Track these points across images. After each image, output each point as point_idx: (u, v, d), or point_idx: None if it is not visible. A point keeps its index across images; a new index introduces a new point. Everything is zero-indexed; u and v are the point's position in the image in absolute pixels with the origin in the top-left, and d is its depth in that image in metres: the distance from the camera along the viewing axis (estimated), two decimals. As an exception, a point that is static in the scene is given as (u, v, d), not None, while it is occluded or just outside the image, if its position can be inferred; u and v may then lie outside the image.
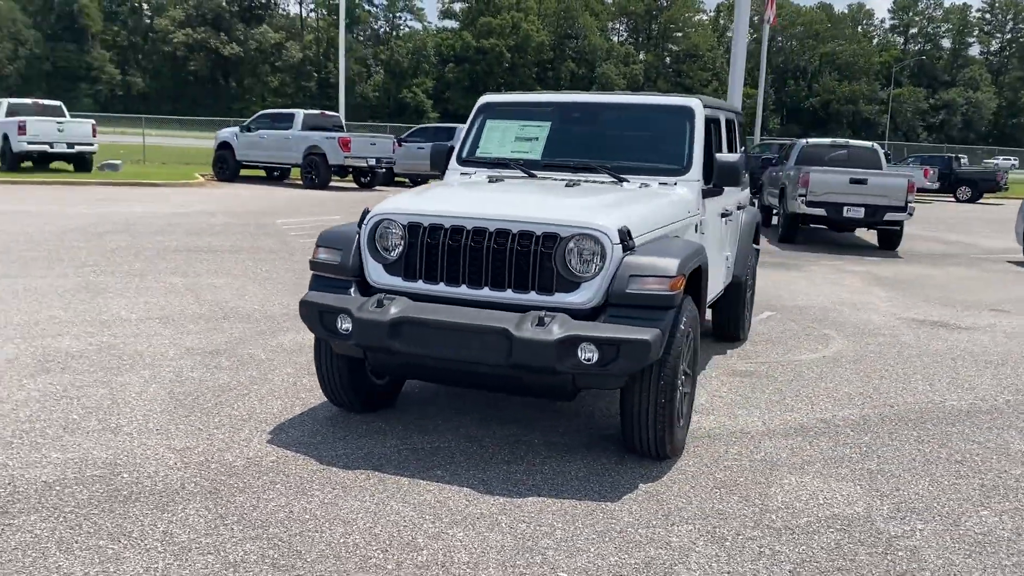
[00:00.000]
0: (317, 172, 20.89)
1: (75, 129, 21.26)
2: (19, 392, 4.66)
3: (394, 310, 3.78)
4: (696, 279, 4.28)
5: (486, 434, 4.32)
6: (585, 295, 3.74)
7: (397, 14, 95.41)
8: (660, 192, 4.57)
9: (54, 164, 22.05)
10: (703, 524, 3.38)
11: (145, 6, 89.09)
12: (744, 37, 14.87)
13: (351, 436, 4.21)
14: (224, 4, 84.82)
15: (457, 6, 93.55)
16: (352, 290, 4.06)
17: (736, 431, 4.52)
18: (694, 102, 5.01)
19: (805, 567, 3.07)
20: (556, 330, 3.55)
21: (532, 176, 4.89)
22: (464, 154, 5.29)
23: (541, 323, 3.60)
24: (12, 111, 21.34)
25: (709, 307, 6.17)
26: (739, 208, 6.10)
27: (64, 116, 22.06)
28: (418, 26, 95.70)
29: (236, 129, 22.67)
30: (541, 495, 3.59)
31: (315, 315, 3.98)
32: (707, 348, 6.27)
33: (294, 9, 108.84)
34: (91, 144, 21.45)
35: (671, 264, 3.72)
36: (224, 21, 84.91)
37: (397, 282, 4.02)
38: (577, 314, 3.73)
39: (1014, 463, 4.21)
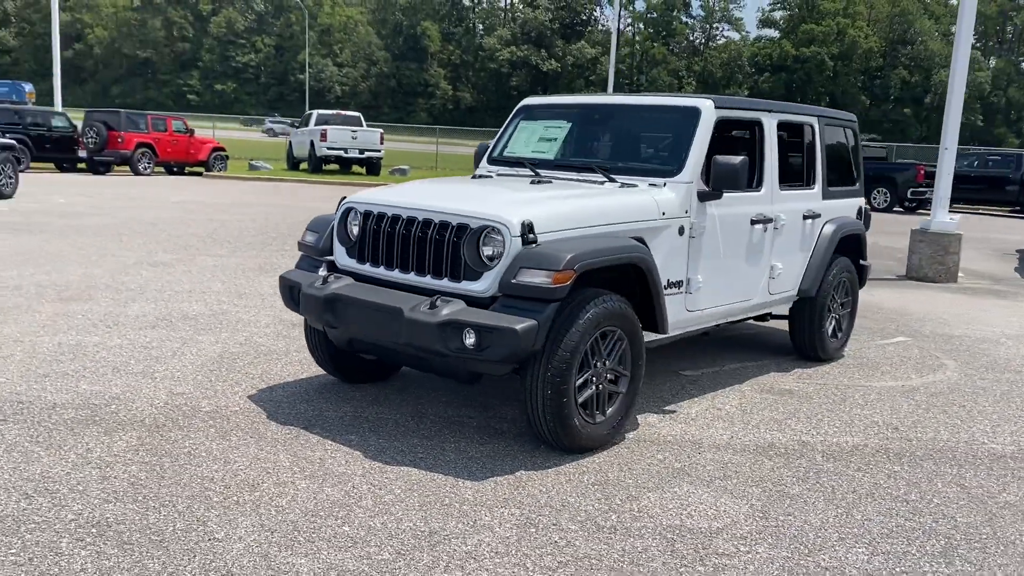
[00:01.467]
0: None
1: (367, 137, 23.98)
2: (118, 339, 5.74)
3: (331, 288, 4.25)
4: (636, 279, 4.26)
5: (433, 412, 4.63)
6: (485, 284, 3.95)
7: (715, 25, 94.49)
8: (624, 192, 4.58)
9: (353, 168, 25.02)
10: (518, 512, 3.45)
11: (480, 26, 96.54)
12: None
13: (320, 400, 4.72)
14: (547, 22, 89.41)
15: (778, 14, 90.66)
16: (321, 269, 4.57)
17: (690, 440, 4.41)
18: (704, 103, 4.91)
19: (587, 562, 3.07)
20: (442, 314, 3.81)
21: (537, 175, 5.09)
22: (495, 153, 5.61)
23: (433, 306, 3.88)
24: (321, 120, 24.53)
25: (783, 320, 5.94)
26: (808, 217, 5.75)
27: (360, 126, 24.92)
28: (735, 36, 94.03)
29: None
30: (418, 467, 3.85)
31: (285, 289, 4.58)
32: (781, 363, 6.05)
33: (612, 24, 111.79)
34: (378, 151, 24.08)
35: (559, 259, 3.81)
36: (546, 39, 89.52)
37: (352, 264, 4.48)
38: (476, 302, 3.95)
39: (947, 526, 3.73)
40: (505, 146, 5.61)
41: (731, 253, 5.08)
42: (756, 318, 6.09)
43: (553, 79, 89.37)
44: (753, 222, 5.22)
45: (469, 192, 4.46)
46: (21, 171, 20.99)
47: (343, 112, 26.53)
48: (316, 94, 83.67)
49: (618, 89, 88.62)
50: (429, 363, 4.15)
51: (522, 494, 3.61)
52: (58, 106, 26.12)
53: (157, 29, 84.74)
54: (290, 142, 26.97)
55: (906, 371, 6.08)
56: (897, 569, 3.15)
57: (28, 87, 12.18)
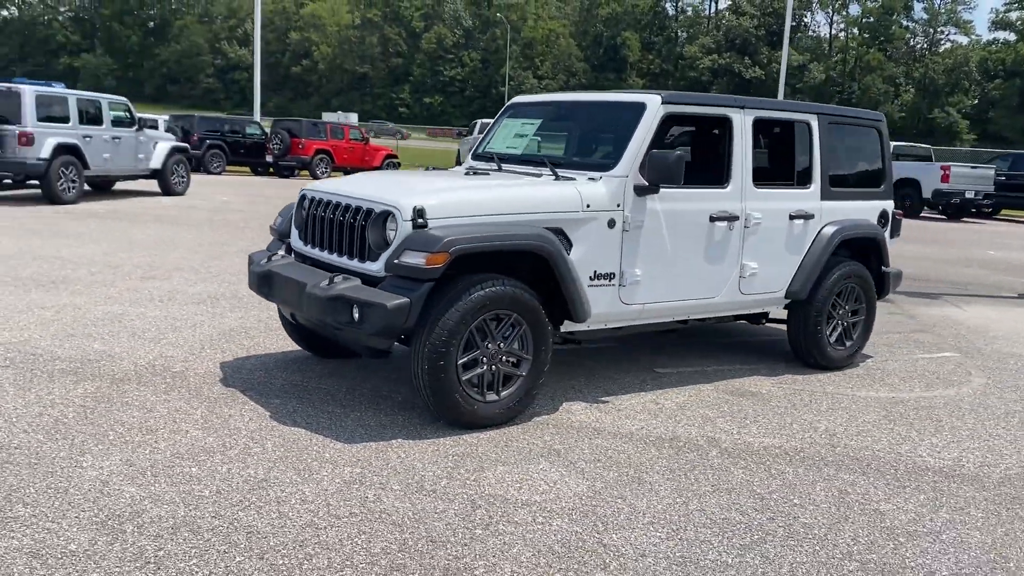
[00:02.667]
0: (911, 201, 20.71)
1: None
2: (157, 312, 6.55)
3: (267, 265, 4.75)
4: (539, 268, 4.43)
5: (370, 387, 5.00)
6: (379, 264, 4.30)
7: (939, 28, 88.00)
8: (546, 184, 4.73)
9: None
10: (357, 471, 3.74)
11: (683, 34, 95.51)
12: None
13: (279, 370, 5.21)
14: (751, 29, 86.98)
15: (1014, 15, 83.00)
16: (281, 250, 5.09)
17: (594, 427, 4.49)
18: (652, 98, 4.98)
19: (378, 515, 3.33)
20: (333, 290, 4.20)
21: (499, 169, 5.35)
22: (479, 149, 5.91)
23: (330, 283, 4.27)
24: (483, 129, 25.46)
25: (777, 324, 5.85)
26: (798, 217, 5.60)
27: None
28: (962, 40, 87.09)
29: None
30: (308, 430, 4.23)
31: (248, 265, 5.14)
32: (775, 368, 5.94)
33: (824, 30, 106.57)
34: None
35: (435, 242, 4.08)
36: (750, 45, 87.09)
37: (299, 244, 4.96)
38: (372, 280, 4.30)
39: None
40: (487, 142, 5.89)
41: (683, 249, 5.08)
42: (750, 320, 5.98)
43: (757, 87, 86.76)
44: (713, 219, 5.18)
45: (392, 182, 4.80)
46: (216, 173, 23.44)
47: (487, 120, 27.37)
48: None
49: (827, 97, 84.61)
50: (339, 337, 4.53)
51: (377, 457, 3.90)
52: (256, 115, 28.78)
53: (374, 46, 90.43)
54: (458, 150, 28.18)
55: (915, 384, 5.76)
56: (681, 553, 3.17)
57: (60, 86, 13.70)
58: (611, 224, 4.77)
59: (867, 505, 3.72)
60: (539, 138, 5.66)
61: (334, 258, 4.58)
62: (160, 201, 15.18)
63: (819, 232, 5.74)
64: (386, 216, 4.27)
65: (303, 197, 4.95)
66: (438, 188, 4.52)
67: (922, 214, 21.91)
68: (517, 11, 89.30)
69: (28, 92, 12.72)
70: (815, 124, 5.73)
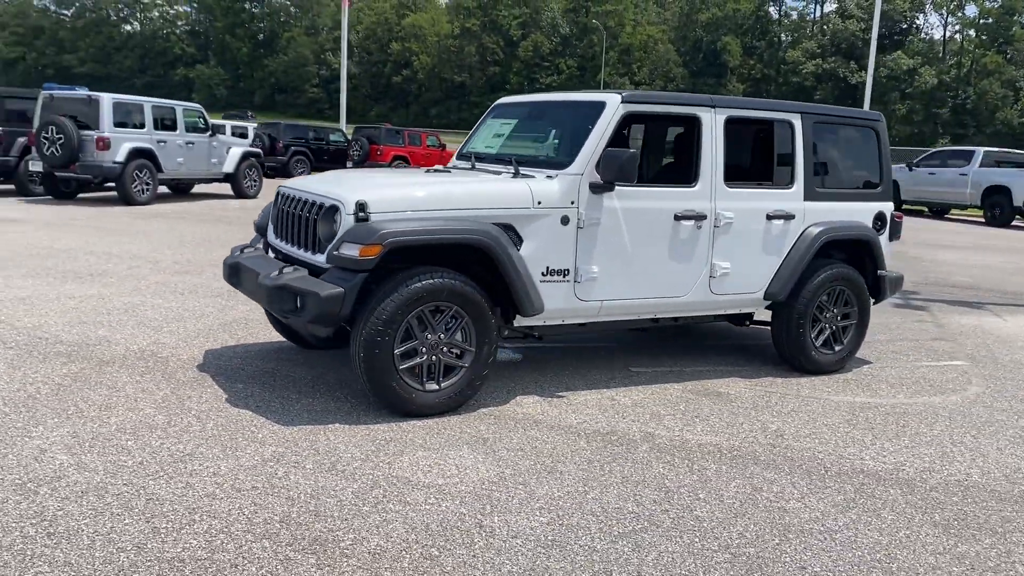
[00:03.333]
0: (1001, 210, 20.32)
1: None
2: (173, 303, 6.95)
3: (238, 256, 5.04)
4: (488, 263, 4.56)
5: (335, 376, 5.21)
6: (325, 256, 4.52)
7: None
8: (499, 181, 4.85)
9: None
10: (276, 450, 3.94)
11: (786, 38, 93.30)
12: None
13: (258, 359, 5.47)
14: (858, 32, 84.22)
15: None
16: (260, 243, 5.38)
17: (533, 419, 4.58)
18: (612, 97, 5.04)
19: (274, 489, 3.54)
20: (279, 280, 4.44)
21: (474, 168, 5.51)
22: (462, 149, 6.08)
23: (280, 273, 4.52)
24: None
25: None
26: (777, 217, 5.54)
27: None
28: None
29: (903, 166, 22.55)
30: (253, 411, 4.46)
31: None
32: (759, 370, 5.90)
33: (937, 32, 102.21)
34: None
35: (370, 234, 4.27)
36: (857, 49, 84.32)
37: (272, 238, 5.23)
38: (319, 271, 4.52)
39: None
40: (469, 142, 6.05)
41: (644, 247, 5.11)
42: (733, 321, 5.95)
43: (862, 92, 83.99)
44: (679, 217, 5.19)
45: (350, 179, 5.00)
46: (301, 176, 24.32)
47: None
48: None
49: (939, 103, 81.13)
50: (294, 325, 4.76)
51: (305, 439, 4.10)
52: (342, 124, 29.70)
53: (472, 55, 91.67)
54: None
55: (902, 391, 5.62)
56: (553, 537, 3.25)
57: (84, 90, 14.38)
58: (564, 221, 4.85)
59: (774, 503, 3.70)
60: (514, 137, 5.77)
61: (294, 250, 4.82)
62: (231, 204, 15.90)
63: (802, 233, 5.66)
64: (334, 210, 4.47)
65: (277, 193, 5.21)
66: (387, 184, 4.71)
67: (1013, 223, 20.85)
68: (614, 18, 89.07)
69: (106, 100, 13.56)
70: (798, 124, 5.66)
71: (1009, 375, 6.15)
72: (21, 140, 14.15)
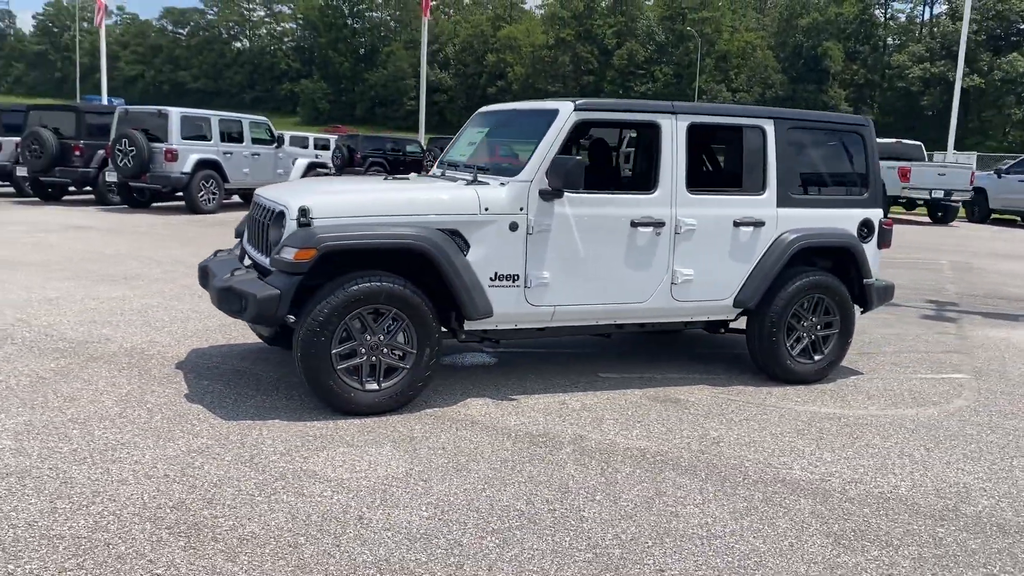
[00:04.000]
0: None
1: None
2: (185, 306, 7.35)
3: (209, 260, 5.34)
4: (424, 265, 4.71)
5: (293, 373, 5.44)
6: (269, 259, 4.76)
7: None
8: (447, 188, 4.99)
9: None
10: (202, 441, 4.17)
11: (893, 41, 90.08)
12: None
13: (236, 358, 5.76)
14: (971, 34, 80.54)
15: None
16: (236, 248, 5.67)
17: (471, 421, 4.68)
18: (564, 105, 5.13)
19: (182, 477, 3.77)
20: (227, 281, 4.71)
21: (444, 175, 5.68)
22: (442, 157, 6.25)
23: (231, 275, 4.79)
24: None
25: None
26: (745, 224, 5.50)
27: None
28: None
29: (992, 173, 21.99)
30: (204, 406, 4.72)
31: (205, 263, 5.76)
32: (732, 379, 5.84)
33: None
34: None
35: (306, 238, 4.49)
36: (968, 52, 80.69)
37: (244, 242, 5.52)
38: (267, 273, 4.77)
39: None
40: (449, 150, 6.21)
41: (599, 253, 5.15)
42: (707, 329, 5.92)
43: (976, 96, 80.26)
44: (636, 224, 5.22)
45: (304, 186, 5.24)
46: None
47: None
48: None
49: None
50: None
51: (238, 433, 4.31)
52: (420, 135, 30.31)
53: (566, 64, 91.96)
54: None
55: (878, 403, 5.49)
56: (425, 531, 3.36)
57: (119, 101, 14.97)
58: (513, 227, 4.95)
59: (669, 508, 3.71)
60: (485, 145, 5.89)
61: (255, 254, 5.08)
62: (294, 212, 16.49)
63: (775, 240, 5.59)
64: (281, 215, 4.70)
65: (252, 200, 5.49)
66: (335, 191, 4.92)
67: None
68: (711, 24, 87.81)
69: (175, 114, 14.33)
70: (771, 129, 5.60)
71: (1008, 390, 5.91)
72: (100, 152, 15.05)
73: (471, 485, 3.82)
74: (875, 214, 5.97)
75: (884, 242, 6.04)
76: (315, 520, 3.41)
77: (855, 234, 5.87)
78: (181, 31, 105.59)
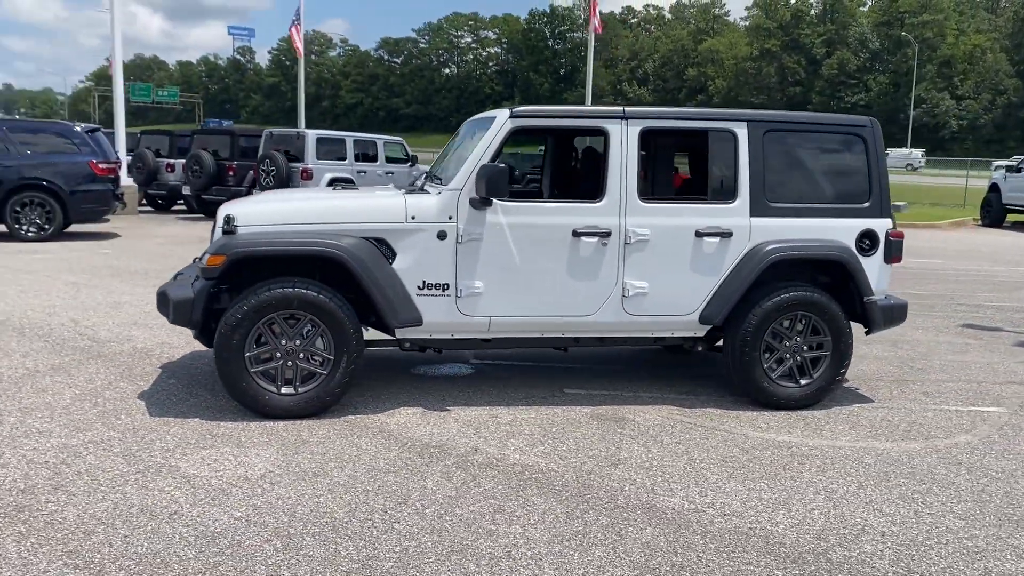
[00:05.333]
0: None
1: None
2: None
3: (185, 267, 5.73)
4: (339, 272, 4.82)
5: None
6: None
7: None
8: (376, 196, 5.07)
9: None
10: (132, 436, 4.47)
11: None
12: None
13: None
14: None
15: None
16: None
17: (383, 431, 4.68)
18: (501, 113, 5.07)
19: (89, 471, 4.08)
20: (162, 287, 5.03)
21: (413, 184, 5.76)
22: (430, 169, 6.33)
23: (173, 279, 5.12)
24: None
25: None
26: (709, 235, 5.16)
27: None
28: None
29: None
30: (170, 410, 5.03)
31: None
32: (708, 400, 5.49)
33: None
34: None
35: (218, 246, 4.72)
36: None
37: (221, 253, 5.85)
38: (204, 282, 5.04)
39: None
40: (437, 160, 6.26)
41: (538, 264, 5.02)
42: (683, 345, 5.60)
43: None
44: (579, 234, 5.05)
45: (260, 196, 5.45)
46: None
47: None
48: (930, 130, 78.70)
49: None
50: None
51: (150, 430, 4.56)
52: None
53: (771, 76, 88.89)
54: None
55: (857, 433, 4.98)
56: (221, 530, 3.44)
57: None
58: (442, 236, 4.93)
59: (491, 526, 3.56)
60: (454, 154, 5.86)
61: (211, 262, 5.36)
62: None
63: (747, 252, 5.20)
64: (215, 224, 4.96)
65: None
66: (268, 200, 5.11)
67: None
68: (933, 28, 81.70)
69: (311, 136, 15.30)
70: (743, 133, 5.21)
71: (1036, 426, 5.12)
72: (251, 172, 16.32)
73: (313, 491, 3.84)
74: (880, 224, 5.39)
75: (893, 255, 5.43)
76: (131, 512, 3.55)
77: (852, 247, 5.32)
78: (396, 60, 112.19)
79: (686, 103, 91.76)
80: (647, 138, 5.16)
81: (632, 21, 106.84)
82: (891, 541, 3.54)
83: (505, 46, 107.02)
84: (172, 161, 17.97)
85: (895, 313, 5.46)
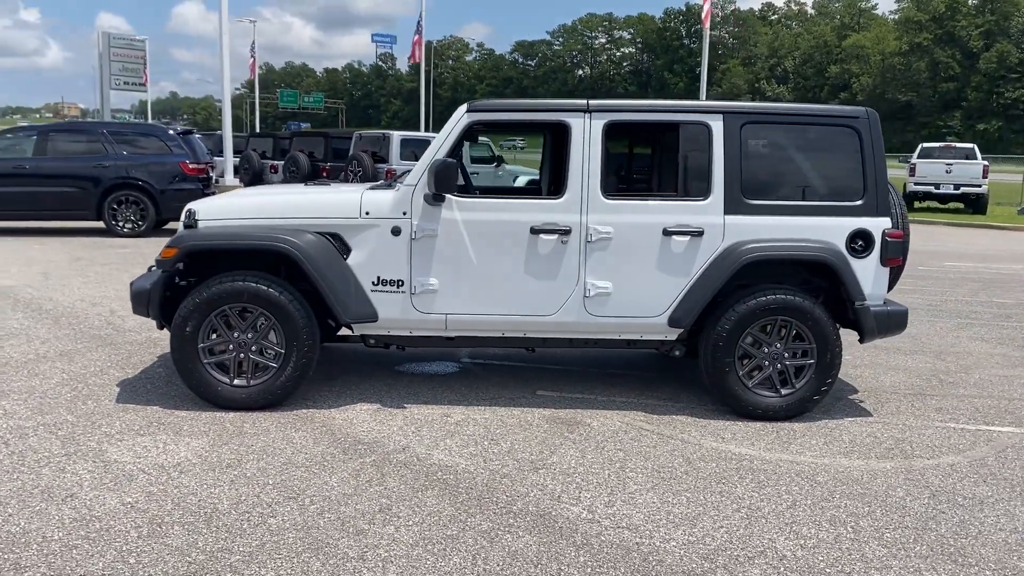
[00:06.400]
0: None
1: (965, 171, 21.56)
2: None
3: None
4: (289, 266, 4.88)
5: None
6: (164, 259, 5.17)
7: None
8: (330, 192, 5.08)
9: (951, 204, 22.74)
10: (79, 423, 4.68)
11: None
12: None
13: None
14: None
15: None
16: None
17: (328, 429, 4.69)
18: (460, 109, 5.00)
19: (31, 452, 4.31)
20: (134, 279, 5.23)
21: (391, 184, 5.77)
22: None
23: (149, 270, 5.33)
24: (923, 154, 22.92)
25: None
26: (678, 233, 4.90)
27: (964, 159, 22.40)
28: None
29: None
30: (119, 390, 5.25)
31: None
32: (684, 409, 5.22)
33: None
34: (979, 186, 21.40)
35: (173, 239, 4.87)
36: None
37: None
38: (175, 274, 5.22)
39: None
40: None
41: (493, 262, 4.91)
42: (658, 349, 5.36)
43: None
44: (537, 231, 4.92)
45: (234, 192, 5.56)
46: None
47: (953, 144, 23.99)
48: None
49: None
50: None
51: (99, 413, 4.73)
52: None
53: (922, 71, 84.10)
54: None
55: (829, 450, 4.62)
56: (107, 512, 3.55)
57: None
58: (396, 232, 4.90)
59: (357, 524, 3.50)
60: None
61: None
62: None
63: (720, 252, 4.91)
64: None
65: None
66: (230, 196, 5.21)
67: None
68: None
69: (395, 137, 15.61)
70: (717, 126, 4.92)
71: (1045, 450, 4.61)
72: (342, 173, 16.78)
73: (215, 481, 3.88)
74: (875, 223, 4.97)
75: (890, 256, 5.00)
76: (31, 493, 3.69)
77: (841, 247, 4.93)
78: (530, 63, 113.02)
79: (828, 101, 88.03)
80: (613, 132, 4.94)
81: (772, 18, 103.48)
82: (785, 567, 3.24)
83: (640, 45, 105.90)
84: (275, 163, 18.71)
85: (892, 321, 5.02)
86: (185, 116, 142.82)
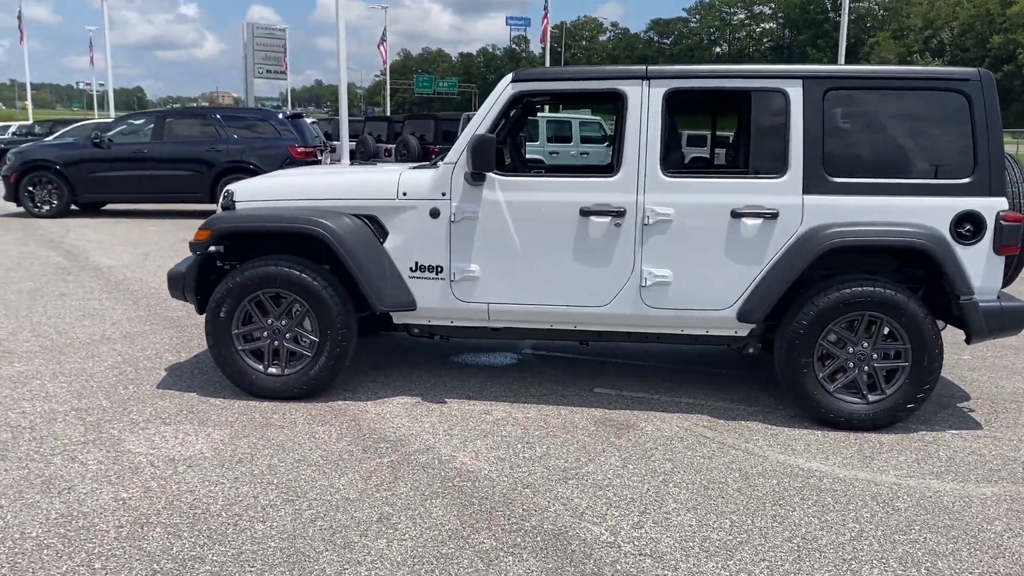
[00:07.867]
0: None
1: None
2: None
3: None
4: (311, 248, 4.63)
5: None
6: (201, 242, 5.01)
7: None
8: (368, 172, 4.78)
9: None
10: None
11: None
12: None
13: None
14: None
15: None
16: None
17: (354, 422, 4.42)
18: (504, 80, 4.61)
19: (39, 439, 4.25)
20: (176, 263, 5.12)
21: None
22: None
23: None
24: None
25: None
26: (749, 215, 4.33)
27: None
28: None
29: None
30: (135, 377, 5.18)
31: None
32: (748, 414, 4.68)
33: None
34: None
35: (206, 222, 4.70)
36: None
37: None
38: (215, 257, 5.07)
39: None
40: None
41: (540, 247, 4.49)
42: (730, 345, 4.83)
43: None
44: (587, 213, 4.47)
45: (278, 172, 5.35)
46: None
47: None
48: None
49: None
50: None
51: (130, 400, 4.63)
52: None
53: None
54: None
55: (916, 469, 3.97)
56: (98, 507, 3.39)
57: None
58: (434, 214, 4.57)
59: (363, 539, 3.19)
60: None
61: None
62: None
63: (798, 236, 4.33)
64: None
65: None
66: (270, 177, 5.00)
67: None
68: None
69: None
70: (796, 93, 4.32)
71: None
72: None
73: (218, 478, 3.66)
74: (987, 204, 4.24)
75: (1006, 244, 4.26)
76: (32, 483, 3.57)
77: (944, 232, 4.24)
78: (666, 41, 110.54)
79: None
80: (675, 101, 4.40)
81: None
82: (825, 614, 2.69)
83: (781, 20, 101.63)
84: (389, 146, 18.80)
85: (1007, 319, 4.28)
86: (328, 103, 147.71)
